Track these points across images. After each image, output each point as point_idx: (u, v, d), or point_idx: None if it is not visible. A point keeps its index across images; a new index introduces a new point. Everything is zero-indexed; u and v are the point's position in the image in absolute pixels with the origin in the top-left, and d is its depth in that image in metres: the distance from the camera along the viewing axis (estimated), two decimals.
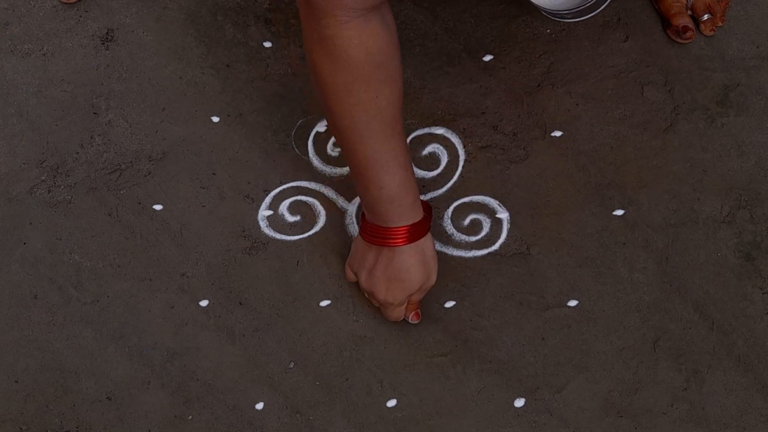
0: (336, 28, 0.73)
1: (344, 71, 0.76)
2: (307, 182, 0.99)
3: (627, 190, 0.99)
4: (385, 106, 0.79)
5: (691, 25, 1.03)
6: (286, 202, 0.99)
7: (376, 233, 0.85)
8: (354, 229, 0.98)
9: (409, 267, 0.85)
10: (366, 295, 0.91)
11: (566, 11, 0.90)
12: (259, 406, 0.92)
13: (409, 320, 0.92)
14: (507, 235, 0.97)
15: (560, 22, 0.94)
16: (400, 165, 0.82)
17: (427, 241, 0.86)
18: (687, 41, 1.03)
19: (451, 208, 0.98)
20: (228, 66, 1.03)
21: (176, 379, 0.93)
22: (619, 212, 0.98)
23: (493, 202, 0.99)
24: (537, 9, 0.92)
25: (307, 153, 1.00)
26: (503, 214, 0.98)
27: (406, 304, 0.90)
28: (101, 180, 1.00)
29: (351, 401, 0.92)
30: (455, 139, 1.01)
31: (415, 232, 0.84)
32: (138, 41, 1.05)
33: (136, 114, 1.02)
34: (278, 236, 0.98)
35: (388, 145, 0.81)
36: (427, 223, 0.87)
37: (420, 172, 1.00)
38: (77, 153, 1.01)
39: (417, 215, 0.85)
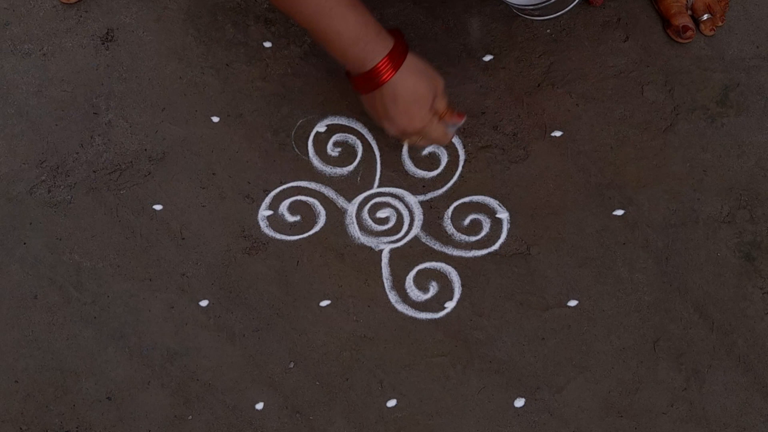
0: None
1: None
2: (307, 182, 0.99)
3: (627, 190, 0.99)
4: None
5: (691, 24, 1.03)
6: (286, 202, 0.99)
7: (366, 81, 0.85)
8: (354, 229, 0.98)
9: (414, 86, 0.85)
10: (407, 141, 0.90)
11: (532, 7, 0.90)
12: (259, 406, 0.92)
13: (459, 124, 0.91)
14: (507, 235, 0.97)
15: (529, 19, 0.95)
16: (348, 6, 0.82)
17: (412, 58, 0.86)
18: (687, 41, 1.03)
19: (451, 208, 0.98)
20: (228, 66, 1.03)
21: (176, 379, 0.93)
22: (619, 212, 0.98)
23: (493, 202, 0.99)
24: (509, 6, 0.93)
25: (307, 153, 1.00)
26: (503, 214, 0.98)
27: (439, 119, 0.89)
28: (101, 180, 1.00)
29: (351, 401, 0.92)
30: (455, 139, 1.01)
31: (396, 58, 0.84)
32: (138, 41, 1.05)
33: (136, 114, 1.02)
34: (278, 236, 0.98)
35: None
36: (403, 44, 0.86)
37: (420, 172, 1.00)
38: (77, 153, 1.01)
39: (389, 43, 0.84)
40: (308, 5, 0.81)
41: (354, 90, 0.89)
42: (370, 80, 0.84)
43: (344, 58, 0.85)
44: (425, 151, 1.00)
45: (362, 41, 0.83)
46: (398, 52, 0.85)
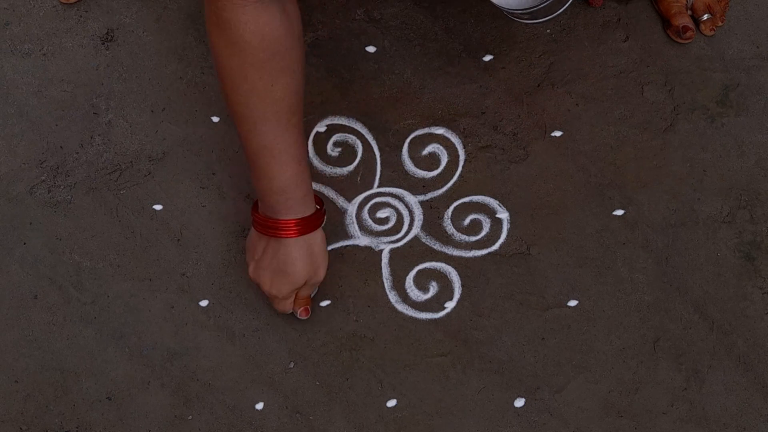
0: (232, 11, 0.73)
1: (239, 56, 0.76)
2: None
3: (627, 190, 0.99)
4: (281, 96, 0.78)
5: (691, 25, 1.03)
6: None
7: (265, 224, 0.85)
8: (354, 229, 0.98)
9: (294, 260, 0.85)
10: (258, 285, 0.89)
11: (521, 11, 0.90)
12: (259, 406, 0.92)
13: (297, 315, 0.91)
14: (507, 235, 0.97)
15: (519, 22, 0.94)
16: (293, 157, 0.82)
17: (316, 236, 0.86)
18: (687, 41, 1.03)
19: (451, 208, 0.98)
20: None
21: (176, 379, 0.93)
22: (619, 212, 0.98)
23: (493, 202, 0.99)
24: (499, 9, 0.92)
25: (307, 153, 1.00)
26: (503, 214, 0.98)
27: (293, 298, 0.89)
28: (101, 180, 0.99)
29: (351, 401, 0.92)
30: (455, 139, 1.01)
31: (303, 226, 0.84)
32: (138, 41, 1.05)
33: (136, 114, 1.02)
34: None
35: (282, 137, 0.80)
36: (319, 219, 0.86)
37: (420, 172, 1.00)
38: (77, 153, 1.01)
39: (307, 210, 0.84)
40: (260, 137, 0.80)
41: (251, 219, 0.88)
42: (269, 227, 0.85)
43: (262, 197, 0.85)
44: (425, 151, 1.00)
45: (286, 195, 0.83)
46: (309, 223, 0.85)
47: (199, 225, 0.98)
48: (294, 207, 0.83)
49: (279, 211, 0.84)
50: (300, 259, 0.85)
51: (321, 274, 0.88)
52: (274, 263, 0.85)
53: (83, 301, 0.96)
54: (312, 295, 0.92)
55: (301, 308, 0.90)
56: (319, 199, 0.89)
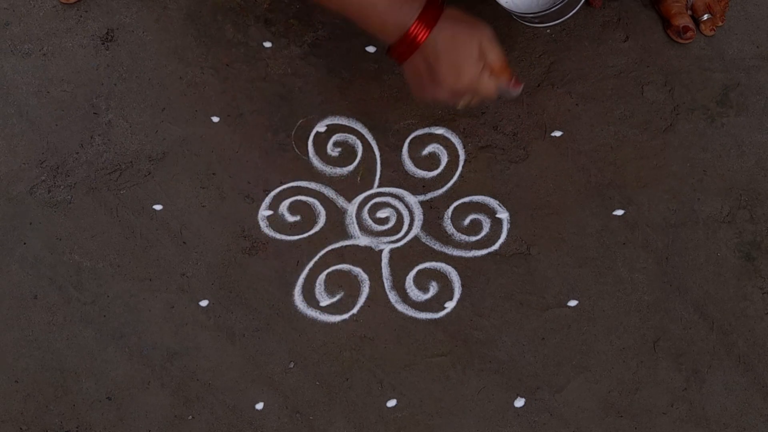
0: None
1: None
2: (307, 182, 0.99)
3: (627, 190, 0.99)
4: None
5: (691, 25, 1.03)
6: (286, 202, 0.99)
7: (406, 46, 0.80)
8: (354, 229, 0.98)
9: (452, 39, 0.79)
10: (461, 104, 0.84)
11: (532, 15, 0.89)
12: (259, 406, 0.92)
13: (512, 91, 0.84)
14: (507, 235, 0.97)
15: (529, 26, 0.93)
16: None
17: (449, 11, 0.80)
18: (687, 41, 1.03)
19: (451, 208, 0.98)
20: (228, 66, 1.03)
21: (176, 379, 0.93)
22: (619, 212, 0.98)
23: (493, 202, 0.99)
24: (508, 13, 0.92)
25: (307, 153, 1.00)
26: (503, 214, 0.98)
27: (490, 74, 0.82)
28: (101, 180, 1.00)
29: (351, 401, 0.92)
30: (455, 139, 1.01)
31: (431, 14, 0.79)
32: (138, 41, 1.05)
33: (136, 114, 1.02)
34: (278, 236, 0.98)
35: None
36: (437, 0, 0.81)
37: (420, 172, 1.00)
38: (77, 153, 1.01)
39: (422, 1, 0.79)
40: None
41: (397, 62, 0.83)
42: (410, 43, 0.79)
43: (382, 28, 0.80)
44: (425, 151, 1.00)
45: (396, 5, 0.78)
46: (433, 8, 0.79)
47: (199, 225, 0.98)
48: (410, 8, 0.78)
49: (405, 17, 0.78)
50: (454, 35, 0.79)
51: (485, 28, 0.81)
52: (443, 60, 0.79)
53: (83, 301, 0.96)
54: (504, 61, 0.83)
55: (509, 81, 0.83)
56: None
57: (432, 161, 1.00)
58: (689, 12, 1.04)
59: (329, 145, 1.01)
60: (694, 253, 0.96)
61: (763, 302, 0.95)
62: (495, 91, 0.83)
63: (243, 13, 1.06)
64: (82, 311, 0.95)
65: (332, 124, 1.01)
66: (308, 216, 0.98)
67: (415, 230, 0.98)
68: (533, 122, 1.01)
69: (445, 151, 1.00)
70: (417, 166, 1.00)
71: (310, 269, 0.96)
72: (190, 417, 0.92)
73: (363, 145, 1.00)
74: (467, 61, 0.80)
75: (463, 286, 0.96)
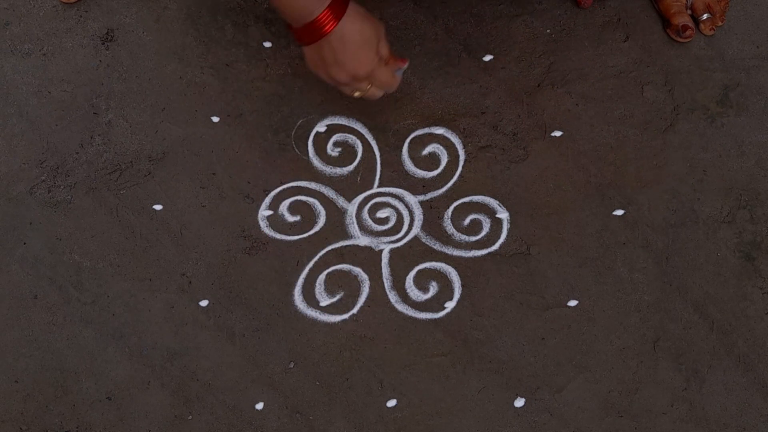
0: None
1: None
2: (307, 182, 0.99)
3: (627, 190, 0.99)
4: None
5: (690, 24, 1.03)
6: (286, 202, 0.99)
7: (313, 29, 0.85)
8: (354, 229, 0.98)
9: (361, 29, 0.86)
10: (357, 92, 0.91)
11: None
12: (259, 406, 0.92)
13: (401, 69, 0.92)
14: (507, 235, 0.97)
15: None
16: None
17: (354, 5, 0.87)
18: (687, 40, 1.03)
19: (451, 208, 0.98)
20: (228, 66, 1.03)
21: (176, 379, 0.93)
22: (619, 212, 0.98)
23: (493, 202, 0.99)
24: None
25: (307, 153, 1.00)
26: (503, 214, 0.98)
27: (384, 65, 0.90)
28: (101, 180, 1.00)
29: (351, 401, 0.92)
30: (455, 139, 1.01)
31: (341, 4, 0.85)
32: (138, 41, 1.05)
33: (136, 114, 1.02)
34: (278, 236, 0.98)
35: None
36: None
37: (420, 172, 1.00)
38: (77, 153, 1.01)
39: None
40: None
41: (298, 43, 0.89)
42: (318, 29, 0.85)
43: (292, 10, 0.85)
44: (425, 151, 1.00)
45: None
46: (341, 1, 0.86)
47: (199, 225, 0.98)
48: None
49: (313, 7, 0.84)
50: (363, 24, 0.86)
51: (381, 25, 0.89)
52: (349, 48, 0.86)
53: (83, 301, 0.96)
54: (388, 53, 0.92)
55: (397, 60, 0.92)
56: None
57: (432, 161, 1.00)
58: (689, 11, 1.04)
59: (329, 145, 1.01)
60: (694, 253, 0.96)
61: (763, 302, 0.95)
62: (393, 79, 0.92)
63: (243, 13, 1.06)
64: (82, 311, 0.95)
65: (332, 124, 1.01)
66: (308, 216, 0.98)
67: (415, 230, 0.98)
68: (533, 122, 1.01)
69: (445, 151, 1.00)
70: (417, 166, 1.00)
71: (310, 269, 0.96)
72: (190, 417, 0.92)
73: (363, 145, 1.00)
74: (369, 52, 0.88)
75: (463, 286, 0.96)
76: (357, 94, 0.92)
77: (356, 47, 0.87)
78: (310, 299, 0.95)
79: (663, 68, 1.03)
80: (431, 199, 0.99)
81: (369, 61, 0.88)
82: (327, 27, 0.85)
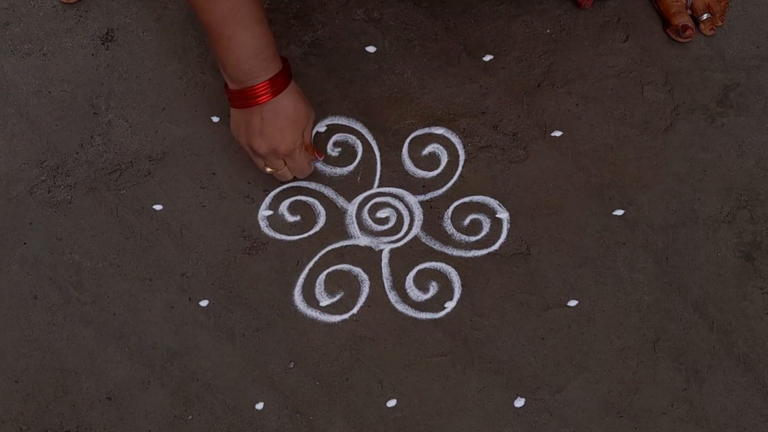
0: None
1: None
2: (307, 182, 0.99)
3: (627, 190, 0.99)
4: None
5: (690, 24, 1.03)
6: (286, 202, 0.99)
7: (249, 96, 0.86)
8: (354, 229, 0.98)
9: (295, 107, 0.88)
10: (264, 162, 0.92)
11: None
12: (259, 406, 0.92)
13: (318, 159, 0.96)
14: (507, 235, 0.97)
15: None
16: (258, 20, 0.83)
17: (294, 84, 0.89)
18: (687, 40, 1.03)
19: (451, 208, 0.98)
20: None
21: (176, 379, 0.93)
22: (619, 212, 0.98)
23: (493, 202, 0.99)
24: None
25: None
26: (503, 214, 0.98)
27: (306, 154, 0.93)
28: (101, 180, 1.00)
29: (351, 401, 0.92)
30: (455, 139, 1.01)
31: (282, 79, 0.87)
32: (138, 41, 1.05)
33: (136, 114, 1.02)
34: (278, 236, 0.98)
35: (243, 2, 0.81)
36: (288, 69, 0.89)
37: (420, 172, 1.00)
38: (77, 153, 1.01)
39: (279, 65, 0.87)
40: (220, 9, 0.81)
41: (230, 104, 0.89)
42: (254, 96, 0.86)
43: (237, 70, 0.85)
44: (425, 151, 1.00)
45: (261, 56, 0.84)
46: (286, 74, 0.87)
47: (199, 225, 0.98)
48: (270, 66, 0.85)
49: (258, 74, 0.85)
50: (298, 104, 0.88)
51: (313, 112, 0.92)
52: (279, 121, 0.88)
53: (83, 301, 0.96)
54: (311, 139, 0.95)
55: (315, 151, 0.95)
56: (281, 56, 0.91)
57: (432, 161, 1.00)
58: (689, 11, 1.04)
59: (329, 145, 1.01)
60: (694, 253, 0.96)
61: (763, 302, 0.95)
62: (307, 166, 0.94)
63: None
64: (82, 311, 0.95)
65: (332, 124, 1.01)
66: (308, 216, 0.98)
67: (415, 230, 0.98)
68: (533, 122, 1.01)
69: (445, 151, 1.00)
70: (417, 166, 1.00)
71: (310, 269, 0.96)
72: (190, 417, 0.92)
73: (363, 145, 1.00)
74: (295, 132, 0.89)
75: (463, 286, 0.96)
76: (268, 170, 0.93)
77: (286, 123, 0.88)
78: (310, 299, 0.96)
79: (663, 68, 1.03)
80: (431, 199, 0.99)
81: (293, 140, 0.89)
82: (263, 97, 0.85)
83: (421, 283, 0.96)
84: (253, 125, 0.88)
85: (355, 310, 0.95)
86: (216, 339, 0.94)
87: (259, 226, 0.98)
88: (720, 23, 1.04)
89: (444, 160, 1.00)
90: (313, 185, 0.99)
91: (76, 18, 1.06)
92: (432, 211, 0.98)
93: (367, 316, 0.95)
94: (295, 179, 0.97)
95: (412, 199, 0.99)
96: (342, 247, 0.97)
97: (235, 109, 0.89)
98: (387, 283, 0.96)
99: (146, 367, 0.93)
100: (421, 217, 0.98)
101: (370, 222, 0.98)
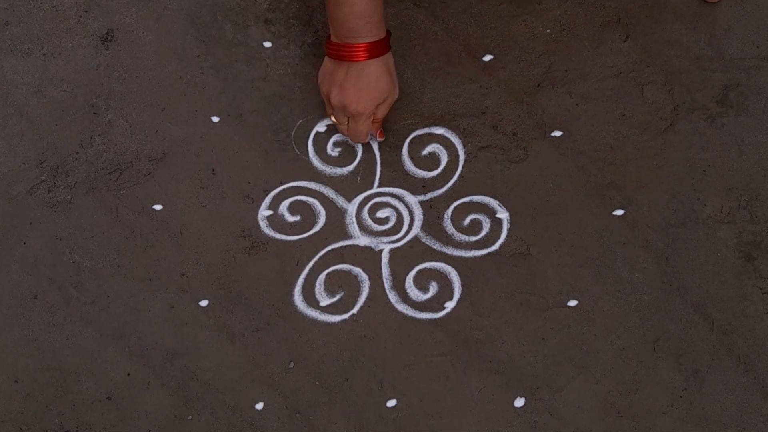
0: None
1: None
2: (307, 182, 0.99)
3: (627, 190, 0.99)
4: None
5: None
6: (286, 202, 0.99)
7: (344, 50, 0.91)
8: (354, 229, 0.98)
9: (378, 77, 0.92)
10: (333, 114, 0.96)
11: None
12: (259, 406, 0.92)
13: (376, 137, 0.99)
14: (507, 235, 0.97)
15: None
16: None
17: (390, 58, 0.93)
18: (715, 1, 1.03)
19: (451, 208, 0.98)
20: (228, 66, 1.03)
21: (176, 379, 0.93)
22: (619, 212, 0.98)
23: (493, 202, 0.99)
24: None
25: (307, 153, 1.00)
26: (503, 214, 0.98)
27: (371, 122, 0.96)
28: (101, 180, 1.00)
29: (351, 401, 0.92)
30: (455, 139, 1.01)
31: (380, 47, 0.91)
32: (138, 41, 1.05)
33: (136, 114, 1.02)
34: (278, 236, 0.98)
35: None
36: (388, 41, 0.93)
37: (420, 172, 1.00)
38: (77, 153, 1.01)
39: (382, 33, 0.91)
40: None
41: (326, 53, 0.93)
42: (351, 53, 0.90)
43: (342, 26, 0.90)
44: (425, 151, 1.00)
45: (365, 19, 0.89)
46: (384, 45, 0.92)
47: (199, 225, 0.98)
48: (372, 30, 0.90)
49: (358, 35, 0.90)
50: (382, 76, 0.92)
51: (397, 92, 0.95)
52: (360, 83, 0.92)
53: (83, 301, 0.96)
54: (383, 118, 0.98)
55: (379, 131, 0.98)
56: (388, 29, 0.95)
57: (432, 161, 1.00)
58: None
59: (329, 145, 1.01)
60: (694, 253, 0.96)
61: (763, 302, 0.95)
62: (363, 136, 0.97)
63: (243, 13, 1.06)
64: (82, 311, 0.95)
65: (332, 124, 1.01)
66: (308, 216, 0.98)
67: (415, 230, 0.98)
68: (533, 122, 1.01)
69: (445, 151, 1.00)
70: (417, 166, 1.00)
71: (310, 269, 0.96)
72: (190, 417, 0.92)
73: (363, 145, 1.00)
74: (371, 101, 0.93)
75: (463, 286, 0.96)
76: (333, 119, 0.97)
77: (364, 88, 0.92)
78: (310, 299, 0.96)
79: (663, 68, 1.03)
80: (431, 199, 0.99)
81: (365, 106, 0.93)
82: (357, 57, 0.90)
83: (421, 283, 0.96)
84: (337, 77, 0.92)
85: (355, 310, 0.95)
86: (216, 339, 0.94)
87: (259, 226, 0.98)
88: None
89: (444, 160, 1.00)
90: (313, 185, 0.99)
91: (76, 18, 1.06)
92: (432, 211, 0.98)
93: (367, 316, 0.95)
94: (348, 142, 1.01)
95: (412, 199, 0.99)
96: (342, 247, 0.97)
97: (328, 57, 0.93)
98: (387, 283, 0.96)
99: (146, 367, 0.93)
100: (421, 217, 0.98)
101: (370, 222, 0.98)
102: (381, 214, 0.98)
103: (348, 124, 0.96)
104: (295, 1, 1.06)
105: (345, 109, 0.93)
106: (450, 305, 0.95)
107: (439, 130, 1.01)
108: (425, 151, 1.01)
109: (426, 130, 1.01)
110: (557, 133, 1.01)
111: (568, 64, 1.03)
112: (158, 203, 0.99)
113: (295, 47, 1.04)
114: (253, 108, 1.02)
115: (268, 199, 0.99)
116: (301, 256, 0.97)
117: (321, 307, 0.95)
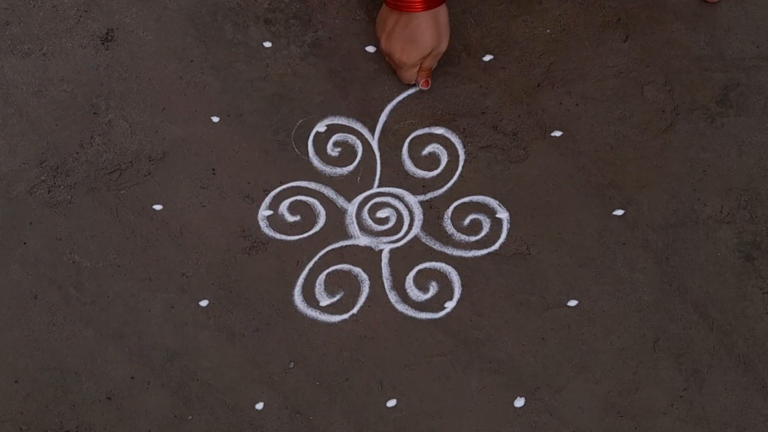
0: None
1: None
2: (307, 182, 0.99)
3: (627, 190, 0.99)
4: None
5: None
6: (286, 202, 0.99)
7: (401, 1, 0.92)
8: (354, 229, 0.98)
9: (424, 30, 0.94)
10: (385, 57, 1.00)
11: None
12: (259, 406, 0.92)
13: (420, 86, 1.01)
14: (507, 235, 0.97)
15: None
16: None
17: (442, 9, 0.95)
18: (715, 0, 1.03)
19: (451, 208, 0.98)
20: (228, 66, 1.04)
21: (176, 379, 0.93)
22: (619, 212, 0.98)
23: (493, 202, 0.99)
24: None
25: (307, 153, 1.00)
26: (503, 214, 0.98)
27: (418, 68, 0.99)
28: (101, 180, 1.00)
29: (351, 401, 0.92)
30: (455, 139, 1.01)
31: (434, 2, 0.92)
32: (138, 41, 1.05)
33: (136, 114, 1.02)
34: (278, 236, 0.98)
35: None
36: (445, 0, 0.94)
37: (420, 172, 1.00)
38: (77, 153, 1.01)
39: None
40: None
41: (384, 1, 0.95)
42: (409, 3, 0.92)
43: None
44: (425, 151, 1.00)
45: None
46: (440, 0, 0.93)
47: (199, 225, 0.98)
48: None
49: None
50: (429, 29, 0.94)
51: (445, 44, 0.97)
52: (405, 33, 0.94)
53: (83, 301, 0.96)
54: (432, 68, 1.00)
55: (423, 79, 1.00)
56: None
57: (432, 161, 1.00)
58: None
59: (329, 145, 1.01)
60: (694, 253, 0.96)
61: (763, 302, 0.95)
62: (410, 78, 1.00)
63: (243, 13, 1.06)
64: (82, 311, 0.95)
65: (332, 124, 1.01)
66: (308, 216, 0.98)
67: (415, 230, 0.98)
68: (533, 122, 1.01)
69: (445, 151, 1.00)
70: (417, 166, 1.00)
71: (310, 269, 0.96)
72: (190, 417, 0.92)
73: (363, 145, 1.00)
74: (418, 53, 0.96)
75: (463, 286, 0.96)
76: (388, 57, 1.00)
77: (409, 39, 0.94)
78: (310, 299, 0.96)
79: (663, 68, 1.03)
80: (431, 199, 0.99)
81: (408, 57, 0.96)
82: (411, 7, 0.92)
83: (421, 283, 0.96)
84: (388, 24, 0.96)
85: (355, 310, 0.95)
86: (216, 339, 0.94)
87: (259, 226, 0.98)
88: None
89: (444, 160, 1.00)
90: (313, 185, 0.99)
91: (76, 18, 1.06)
92: (432, 211, 0.98)
93: (367, 316, 0.95)
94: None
95: (412, 199, 0.99)
96: (342, 247, 0.97)
97: (385, 5, 0.96)
98: (387, 283, 0.96)
99: (146, 367, 0.94)
100: (421, 217, 0.98)
101: (370, 222, 0.98)
102: (381, 214, 0.98)
103: (394, 66, 0.99)
104: (295, 1, 1.06)
105: (389, 56, 0.98)
106: (450, 305, 0.95)
107: (439, 130, 1.01)
108: (425, 151, 1.01)
109: (426, 130, 1.01)
110: (557, 133, 1.01)
111: (568, 64, 1.03)
112: (158, 203, 0.99)
113: (295, 47, 1.04)
114: (253, 108, 1.02)
115: (268, 199, 0.99)
116: (301, 256, 0.97)
117: (321, 307, 0.95)
